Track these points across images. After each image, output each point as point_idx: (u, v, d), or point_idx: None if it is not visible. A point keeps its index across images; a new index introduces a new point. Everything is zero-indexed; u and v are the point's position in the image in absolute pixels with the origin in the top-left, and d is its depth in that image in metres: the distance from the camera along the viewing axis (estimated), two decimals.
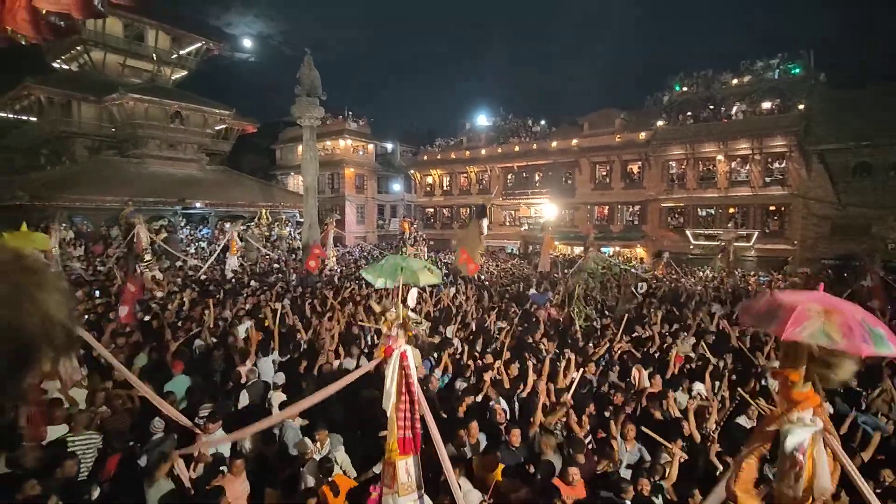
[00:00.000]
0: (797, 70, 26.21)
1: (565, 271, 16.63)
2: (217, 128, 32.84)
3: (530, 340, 8.44)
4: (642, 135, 29.37)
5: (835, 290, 15.59)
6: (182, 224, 26.71)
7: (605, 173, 31.95)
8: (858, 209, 23.12)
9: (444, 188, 40.32)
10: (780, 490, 2.45)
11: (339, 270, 18.79)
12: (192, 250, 22.63)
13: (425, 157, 40.77)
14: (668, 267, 21.76)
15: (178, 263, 17.69)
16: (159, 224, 22.10)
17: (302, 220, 23.85)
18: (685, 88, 29.38)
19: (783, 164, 25.56)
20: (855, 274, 17.22)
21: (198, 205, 27.24)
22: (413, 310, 3.88)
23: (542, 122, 37.63)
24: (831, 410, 5.54)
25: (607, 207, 32.06)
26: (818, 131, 24.04)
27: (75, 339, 0.57)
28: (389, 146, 44.89)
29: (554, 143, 33.25)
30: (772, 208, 26.22)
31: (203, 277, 15.63)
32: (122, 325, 7.76)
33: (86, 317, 8.20)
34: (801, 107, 24.77)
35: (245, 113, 35.09)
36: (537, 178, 34.88)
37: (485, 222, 13.78)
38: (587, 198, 32.46)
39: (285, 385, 6.08)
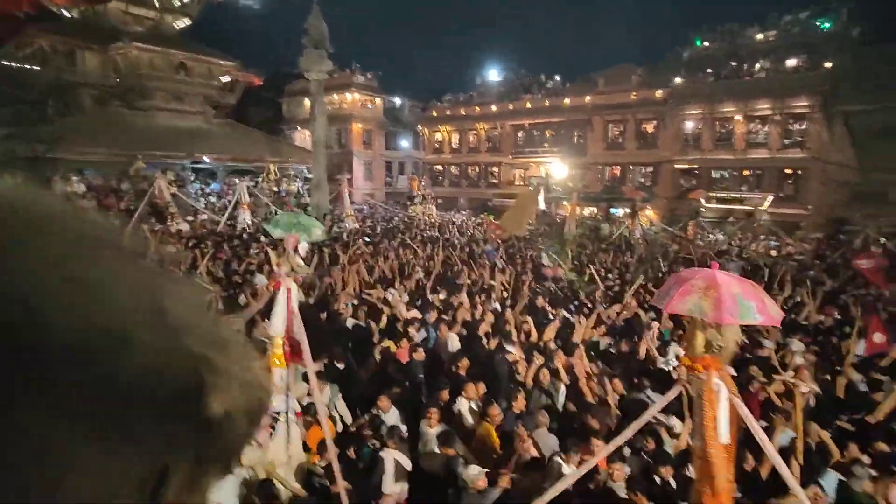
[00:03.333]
0: (828, 25, 24.88)
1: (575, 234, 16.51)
2: (223, 80, 32.18)
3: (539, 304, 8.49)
4: (659, 92, 28.41)
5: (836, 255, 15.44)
6: (191, 178, 26.67)
7: (618, 132, 31.17)
8: (879, 175, 22.52)
9: (453, 146, 39.64)
10: (691, 441, 2.81)
11: (352, 228, 18.84)
12: (203, 205, 22.73)
13: (434, 113, 39.89)
14: (698, 228, 21.41)
15: (190, 218, 17.81)
16: (169, 178, 22.10)
17: (310, 175, 23.71)
18: (707, 43, 28.13)
19: (804, 126, 24.75)
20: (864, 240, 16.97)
21: (206, 159, 27.10)
22: (304, 259, 5.06)
23: (557, 78, 36.44)
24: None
25: (619, 168, 31.49)
26: (845, 91, 23.09)
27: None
28: (398, 101, 43.89)
29: (567, 100, 32.31)
30: (788, 171, 25.62)
31: (223, 230, 15.79)
32: None
33: None
34: (828, 65, 23.68)
35: (250, 64, 34.24)
36: (549, 136, 34.14)
37: (542, 196, 13.38)
38: (599, 158, 31.84)
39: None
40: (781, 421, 4.66)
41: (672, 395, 3.25)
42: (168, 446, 0.26)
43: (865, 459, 4.02)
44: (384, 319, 6.69)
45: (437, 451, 4.29)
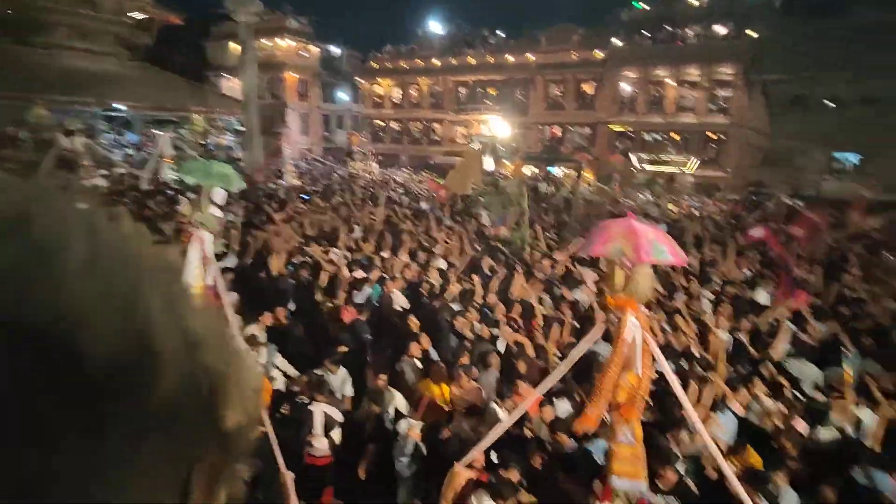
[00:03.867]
0: None
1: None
2: (135, 16, 28.76)
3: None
4: (599, 53, 28.83)
5: (751, 216, 16.95)
6: (103, 127, 24.13)
7: (559, 92, 31.53)
8: (788, 141, 24.53)
9: (394, 100, 38.43)
10: (608, 372, 2.98)
11: (291, 185, 18.05)
12: (119, 157, 20.74)
13: (374, 65, 38.22)
14: (621, 190, 22.36)
15: (104, 172, 16.24)
16: (73, 127, 19.84)
17: (241, 128, 22.18)
18: (645, 6, 28.62)
19: (728, 93, 26.22)
20: (772, 202, 18.69)
21: (120, 106, 24.52)
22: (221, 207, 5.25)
23: (500, 34, 35.87)
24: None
25: (559, 128, 32.07)
26: (766, 61, 24.57)
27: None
28: (335, 50, 41.52)
29: (510, 58, 32.04)
30: (712, 136, 27.25)
31: (148, 188, 14.55)
32: None
33: None
34: (752, 34, 24.97)
35: (168, 0, 30.78)
36: (491, 94, 33.92)
37: (488, 159, 13.12)
38: (540, 117, 32.19)
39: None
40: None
41: (597, 333, 3.49)
42: (192, 454, 0.28)
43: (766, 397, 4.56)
44: (325, 278, 6.59)
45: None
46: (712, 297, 7.36)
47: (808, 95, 24.16)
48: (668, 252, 2.89)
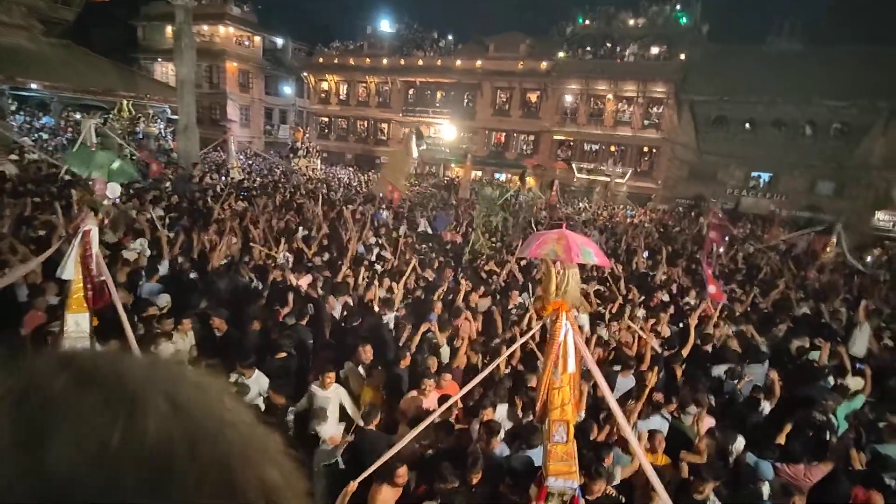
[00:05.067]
0: (684, 19, 27.95)
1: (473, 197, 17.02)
2: None
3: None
4: (544, 64, 29.81)
5: (683, 224, 18.24)
6: (12, 108, 21.92)
7: (505, 99, 32.26)
8: (711, 157, 26.54)
9: (341, 97, 37.73)
10: (544, 369, 3.28)
11: (228, 181, 17.22)
12: (31, 141, 18.90)
13: (321, 60, 37.33)
14: (559, 197, 23.20)
15: (14, 157, 14.76)
16: None
17: (174, 116, 20.90)
18: (587, 22, 29.94)
19: (660, 110, 27.98)
20: (700, 212, 20.17)
21: (33, 86, 22.34)
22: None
23: (449, 37, 36.18)
24: None
25: (504, 134, 32.82)
26: (693, 82, 26.45)
27: None
28: (279, 41, 40.14)
29: (458, 62, 32.40)
30: (645, 149, 28.96)
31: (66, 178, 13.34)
32: None
33: None
34: (682, 56, 26.80)
35: None
36: (439, 96, 34.12)
37: (414, 144, 13.26)
38: (486, 123, 32.79)
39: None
40: (631, 368, 5.54)
41: (532, 332, 3.97)
42: None
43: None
44: (270, 278, 6.38)
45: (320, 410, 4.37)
46: (639, 297, 7.90)
47: (728, 116, 26.27)
48: (594, 255, 3.31)
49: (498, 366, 4.97)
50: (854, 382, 5.80)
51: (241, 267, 6.81)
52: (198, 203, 11.61)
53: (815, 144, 24.48)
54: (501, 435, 4.02)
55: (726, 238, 11.98)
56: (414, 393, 4.58)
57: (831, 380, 5.86)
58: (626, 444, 3.87)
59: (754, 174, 26.41)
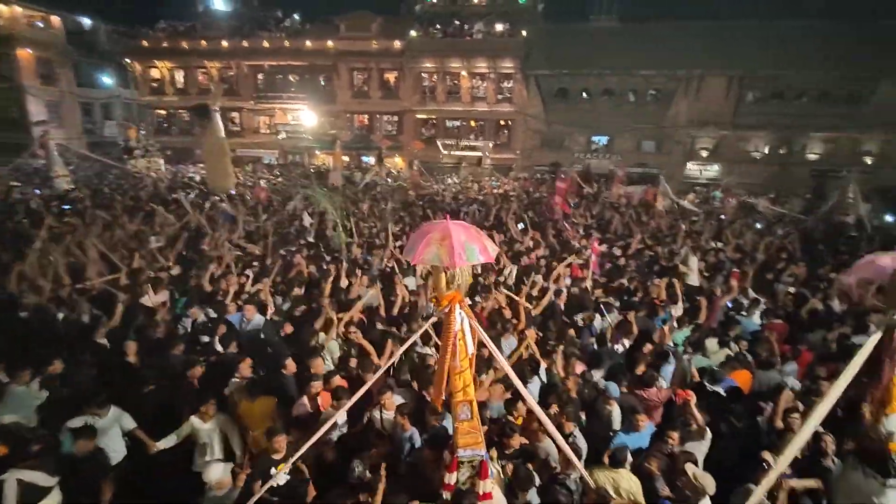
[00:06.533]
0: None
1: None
2: None
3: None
4: (397, 43, 29.70)
5: (542, 191, 19.90)
6: None
7: (363, 80, 31.62)
8: (559, 126, 29.14)
9: (178, 86, 33.61)
10: (442, 360, 3.36)
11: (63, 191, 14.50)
12: None
13: (145, 43, 32.70)
14: (421, 175, 23.61)
15: None
16: None
17: None
18: (434, 0, 30.37)
19: (510, 84, 29.77)
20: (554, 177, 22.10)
21: None
22: None
23: (295, 17, 34.07)
24: None
25: (367, 116, 32.28)
26: (535, 58, 28.53)
27: None
28: (87, 22, 34.21)
29: (309, 43, 30.79)
30: (502, 123, 30.72)
31: None
32: None
33: None
34: (524, 33, 28.67)
35: None
36: (293, 81, 32.21)
37: (216, 125, 12.19)
38: (347, 106, 31.92)
39: None
40: (510, 329, 6.01)
41: (427, 325, 3.95)
42: None
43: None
44: (118, 309, 5.55)
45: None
46: (514, 268, 8.51)
47: (567, 89, 28.97)
48: (479, 252, 3.11)
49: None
50: (676, 310, 6.93)
51: (77, 300, 5.83)
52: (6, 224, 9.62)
53: (637, 109, 28.20)
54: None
55: (571, 202, 13.46)
56: (304, 399, 4.46)
57: (672, 311, 6.94)
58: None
59: (594, 139, 29.64)
